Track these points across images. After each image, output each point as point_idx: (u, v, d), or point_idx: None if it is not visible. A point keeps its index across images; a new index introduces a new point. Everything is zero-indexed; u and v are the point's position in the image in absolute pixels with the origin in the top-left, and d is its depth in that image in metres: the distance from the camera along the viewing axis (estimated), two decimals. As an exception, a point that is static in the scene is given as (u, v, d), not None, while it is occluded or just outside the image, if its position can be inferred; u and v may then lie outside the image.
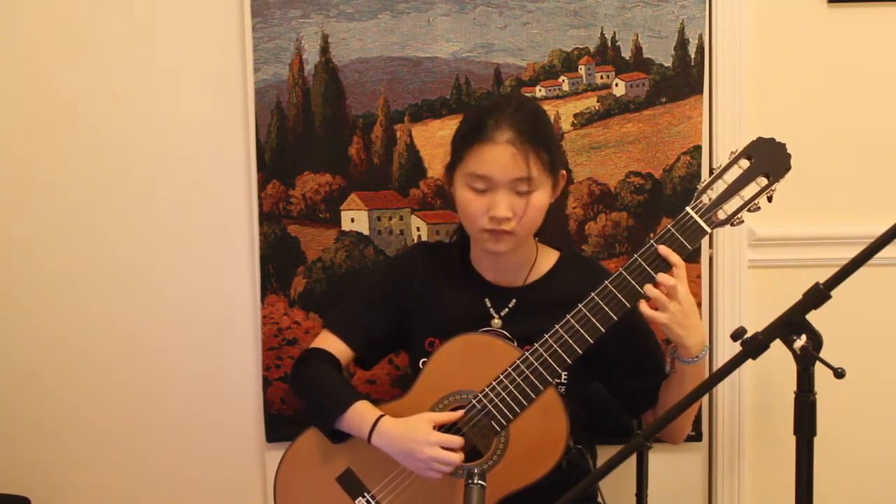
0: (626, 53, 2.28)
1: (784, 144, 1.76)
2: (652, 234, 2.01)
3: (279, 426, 2.37)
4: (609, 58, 2.28)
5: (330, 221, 2.33)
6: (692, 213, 1.78)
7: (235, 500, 2.47)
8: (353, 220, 2.33)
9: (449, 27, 2.27)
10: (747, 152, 1.77)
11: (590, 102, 2.29)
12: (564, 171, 1.98)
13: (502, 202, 1.84)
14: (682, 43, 2.27)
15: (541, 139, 1.86)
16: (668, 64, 2.27)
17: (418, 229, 2.34)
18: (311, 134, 2.32)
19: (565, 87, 2.29)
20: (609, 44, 2.28)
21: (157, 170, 2.38)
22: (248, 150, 2.33)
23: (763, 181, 1.76)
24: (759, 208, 1.77)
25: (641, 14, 2.26)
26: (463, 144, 1.89)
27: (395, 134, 2.31)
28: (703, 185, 1.80)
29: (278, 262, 2.34)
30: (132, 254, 2.40)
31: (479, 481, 1.60)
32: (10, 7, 2.34)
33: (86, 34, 2.34)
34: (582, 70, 2.29)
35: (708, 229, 1.78)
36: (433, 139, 2.30)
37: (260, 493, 2.46)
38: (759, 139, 1.77)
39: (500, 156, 1.83)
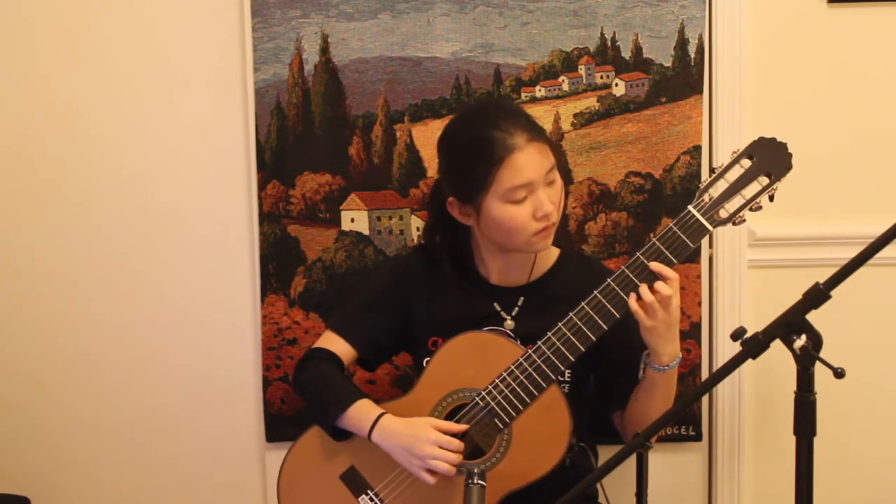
0: (626, 53, 2.28)
1: (785, 144, 1.77)
2: (652, 234, 2.01)
3: (279, 426, 2.37)
4: (609, 58, 2.28)
5: (330, 221, 2.33)
6: (694, 211, 1.78)
7: (235, 500, 2.47)
8: (353, 220, 2.33)
9: (449, 27, 2.27)
10: (749, 152, 1.77)
11: (590, 102, 2.29)
12: None
13: (545, 199, 1.85)
14: (682, 43, 2.27)
15: (537, 126, 1.91)
16: (668, 64, 2.27)
17: (418, 229, 2.33)
18: (311, 134, 2.31)
19: (565, 87, 2.29)
20: (609, 44, 2.28)
21: (157, 170, 2.38)
22: (248, 150, 2.33)
23: (764, 180, 1.76)
24: (760, 207, 1.78)
25: (641, 14, 2.26)
26: (486, 170, 1.83)
27: (395, 134, 2.31)
28: (704, 183, 1.80)
29: (278, 262, 2.34)
30: (132, 254, 2.40)
31: (479, 481, 1.60)
32: (9, 7, 2.34)
33: (86, 35, 2.34)
34: (582, 70, 2.29)
35: (710, 228, 1.78)
36: (433, 139, 2.29)
37: (260, 493, 2.46)
38: (761, 139, 1.77)
39: (531, 157, 1.83)
